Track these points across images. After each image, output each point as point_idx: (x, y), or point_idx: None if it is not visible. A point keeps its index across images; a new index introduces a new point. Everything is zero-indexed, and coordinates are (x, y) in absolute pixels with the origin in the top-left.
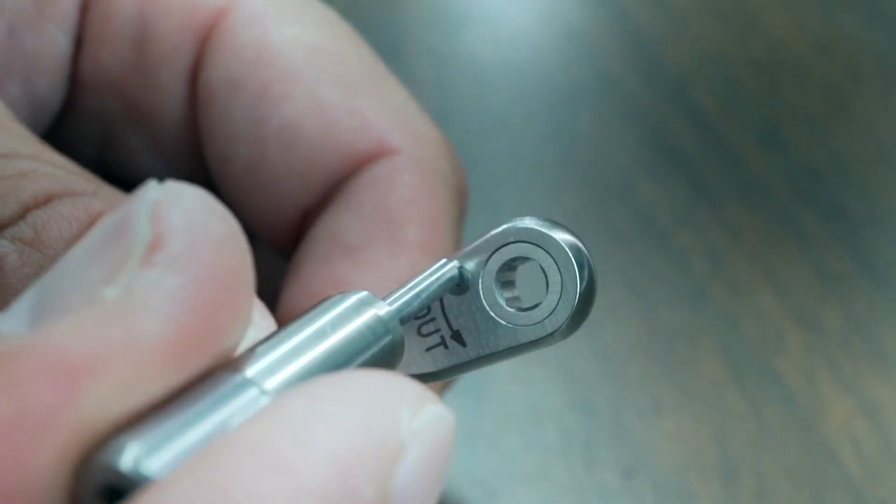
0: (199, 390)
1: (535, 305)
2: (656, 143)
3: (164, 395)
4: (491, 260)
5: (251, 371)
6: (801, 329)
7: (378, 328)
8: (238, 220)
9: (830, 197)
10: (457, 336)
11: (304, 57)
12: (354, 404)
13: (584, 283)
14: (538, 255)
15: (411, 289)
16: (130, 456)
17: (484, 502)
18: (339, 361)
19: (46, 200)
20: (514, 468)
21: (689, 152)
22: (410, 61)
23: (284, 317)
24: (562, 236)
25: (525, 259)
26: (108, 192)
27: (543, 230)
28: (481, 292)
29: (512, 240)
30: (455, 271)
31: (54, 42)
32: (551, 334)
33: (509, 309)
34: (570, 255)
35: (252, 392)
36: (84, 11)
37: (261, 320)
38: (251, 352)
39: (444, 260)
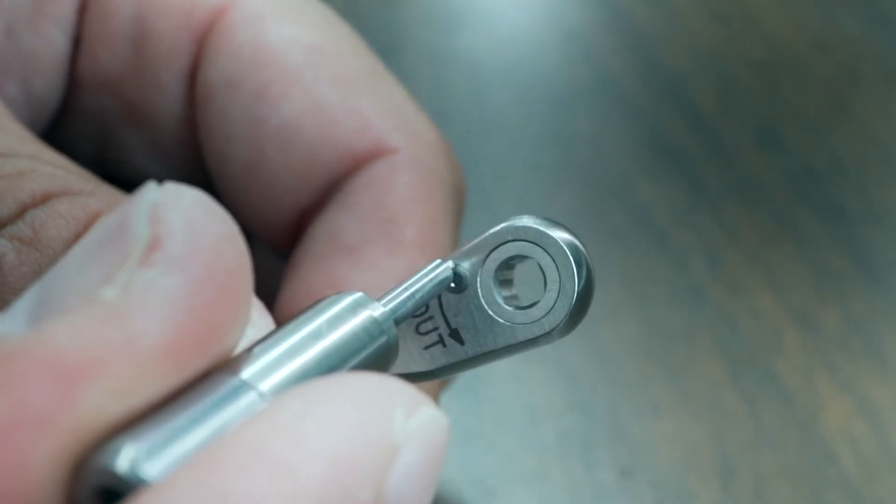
0: (197, 392)
1: (533, 304)
2: (655, 143)
3: (162, 397)
4: (489, 258)
5: (248, 373)
6: (800, 329)
7: (373, 329)
8: (236, 220)
9: (829, 197)
10: (455, 334)
11: (303, 56)
12: (349, 407)
13: (582, 281)
14: (536, 253)
15: (406, 289)
16: (127, 458)
17: (482, 502)
18: (334, 363)
19: (44, 199)
20: (511, 468)
21: (688, 152)
22: (409, 61)
23: (282, 316)
24: (560, 235)
25: (523, 258)
26: (106, 191)
27: (541, 228)
28: (479, 291)
29: (510, 238)
30: (450, 272)
31: (53, 41)
32: (549, 333)
33: (507, 307)
34: (569, 253)
35: (249, 394)
36: (82, 11)
37: (259, 319)
38: (248, 353)
39: (438, 260)
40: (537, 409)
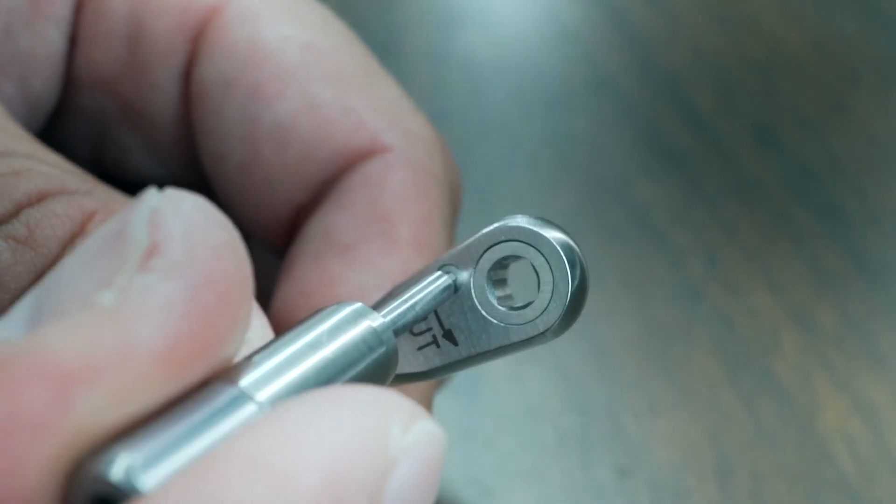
0: (195, 401)
1: (527, 304)
2: (653, 143)
3: (160, 404)
4: (482, 258)
5: (246, 382)
6: (797, 328)
7: (372, 340)
8: (232, 218)
9: (826, 196)
10: (448, 335)
11: (297, 55)
12: (347, 419)
13: (576, 282)
14: (530, 253)
15: (406, 300)
16: (122, 467)
17: (480, 501)
18: (333, 373)
19: (40, 199)
20: (509, 468)
21: (685, 152)
22: (406, 61)
23: (278, 315)
24: (553, 235)
25: (517, 258)
26: (102, 190)
27: (535, 229)
28: (473, 291)
29: (503, 238)
30: (450, 281)
31: (50, 41)
32: (543, 333)
33: (501, 308)
34: (562, 253)
35: (247, 404)
36: (78, 10)
37: (254, 320)
38: (247, 361)
39: (438, 272)
40: (535, 408)
